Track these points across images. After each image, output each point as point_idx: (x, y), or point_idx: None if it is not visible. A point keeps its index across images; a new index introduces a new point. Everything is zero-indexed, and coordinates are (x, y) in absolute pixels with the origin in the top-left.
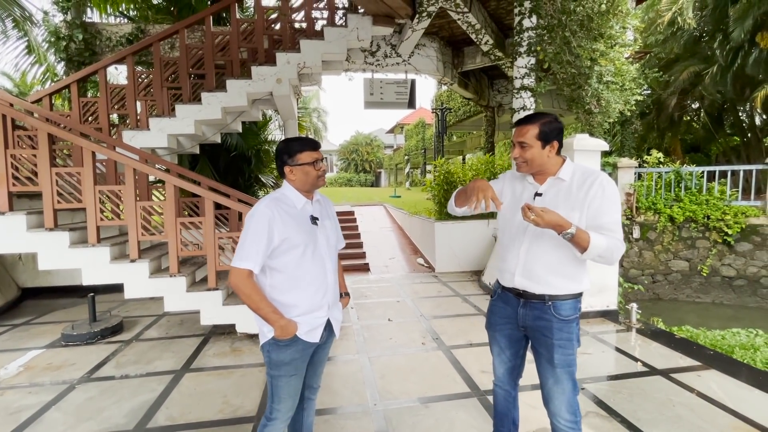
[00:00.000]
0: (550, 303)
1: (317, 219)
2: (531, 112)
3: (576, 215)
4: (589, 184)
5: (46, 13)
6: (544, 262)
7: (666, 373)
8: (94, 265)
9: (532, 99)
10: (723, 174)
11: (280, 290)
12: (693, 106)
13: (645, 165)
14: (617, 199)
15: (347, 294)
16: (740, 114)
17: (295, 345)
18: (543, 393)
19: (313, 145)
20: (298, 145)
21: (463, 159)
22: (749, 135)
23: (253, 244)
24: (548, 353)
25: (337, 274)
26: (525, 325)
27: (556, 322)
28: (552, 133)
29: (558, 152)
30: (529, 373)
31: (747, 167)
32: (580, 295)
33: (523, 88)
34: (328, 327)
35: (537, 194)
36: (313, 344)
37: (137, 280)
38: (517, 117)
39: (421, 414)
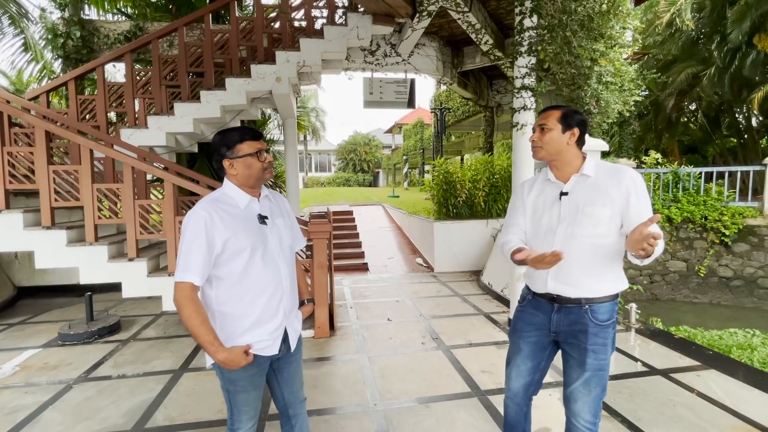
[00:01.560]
0: (587, 307)
1: (266, 218)
2: (531, 111)
3: (607, 211)
4: (619, 179)
5: (43, 9)
6: (579, 264)
7: (666, 373)
8: (91, 264)
9: (532, 99)
10: (720, 175)
11: (227, 301)
12: (690, 107)
13: (643, 166)
14: (647, 192)
15: (310, 300)
16: (737, 115)
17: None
18: (566, 392)
19: (255, 134)
20: (237, 135)
21: (462, 159)
22: (746, 136)
23: (192, 252)
24: (580, 357)
25: (296, 279)
26: (558, 330)
27: (593, 326)
28: (574, 120)
29: (579, 146)
30: None
31: (744, 168)
32: (617, 296)
33: (524, 87)
34: (286, 339)
35: (563, 193)
36: (270, 357)
37: (135, 279)
38: (517, 117)
39: (422, 414)
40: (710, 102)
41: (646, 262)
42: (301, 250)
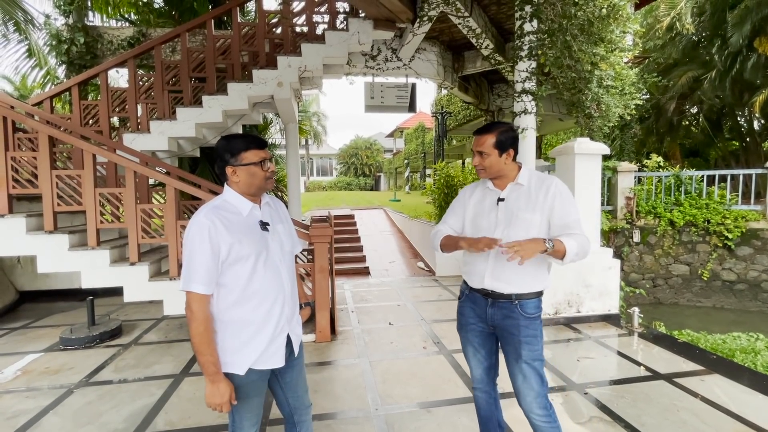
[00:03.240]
0: (516, 302)
1: (268, 224)
2: (532, 115)
3: (537, 216)
4: (547, 187)
5: (47, 16)
6: (513, 263)
7: (669, 378)
8: (93, 268)
9: (533, 102)
10: (722, 178)
11: (230, 309)
12: (692, 110)
13: (645, 169)
14: (573, 199)
15: (308, 304)
16: (739, 119)
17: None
18: (515, 392)
19: (260, 143)
20: (243, 143)
21: (463, 163)
22: (748, 139)
23: (196, 261)
24: (516, 351)
25: (296, 283)
26: (494, 324)
27: (523, 319)
28: (507, 142)
29: (514, 159)
30: None
31: (746, 171)
32: (542, 293)
33: (524, 91)
34: (289, 344)
35: (500, 199)
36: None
37: (137, 283)
38: (518, 121)
39: (423, 419)
40: (711, 105)
41: (566, 261)
42: (302, 254)
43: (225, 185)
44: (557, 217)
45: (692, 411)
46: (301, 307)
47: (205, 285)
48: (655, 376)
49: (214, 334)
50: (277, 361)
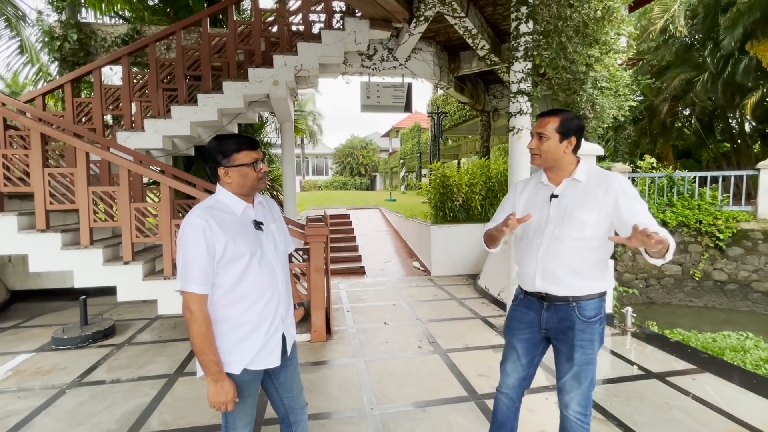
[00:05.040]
0: (574, 304)
1: (261, 224)
2: (527, 116)
3: (594, 216)
4: (608, 185)
5: (40, 12)
6: (564, 264)
7: (661, 377)
8: (86, 268)
9: (528, 103)
10: (714, 179)
11: (225, 308)
12: (684, 112)
13: (638, 170)
14: (638, 195)
15: (300, 305)
16: (730, 120)
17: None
18: (558, 384)
19: (252, 143)
20: (235, 144)
21: (459, 163)
22: (739, 141)
23: (191, 261)
24: (569, 353)
25: (290, 283)
26: (548, 327)
27: (579, 323)
28: (571, 129)
29: (575, 151)
30: None
31: (737, 173)
32: (604, 294)
33: (520, 92)
34: (283, 344)
35: (553, 196)
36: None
37: (130, 282)
38: (513, 121)
39: (419, 418)
40: (704, 107)
41: (662, 261)
42: (298, 253)
43: (218, 185)
44: (627, 216)
45: (684, 409)
46: (294, 307)
47: (201, 285)
48: (647, 375)
49: (213, 332)
50: (273, 361)
